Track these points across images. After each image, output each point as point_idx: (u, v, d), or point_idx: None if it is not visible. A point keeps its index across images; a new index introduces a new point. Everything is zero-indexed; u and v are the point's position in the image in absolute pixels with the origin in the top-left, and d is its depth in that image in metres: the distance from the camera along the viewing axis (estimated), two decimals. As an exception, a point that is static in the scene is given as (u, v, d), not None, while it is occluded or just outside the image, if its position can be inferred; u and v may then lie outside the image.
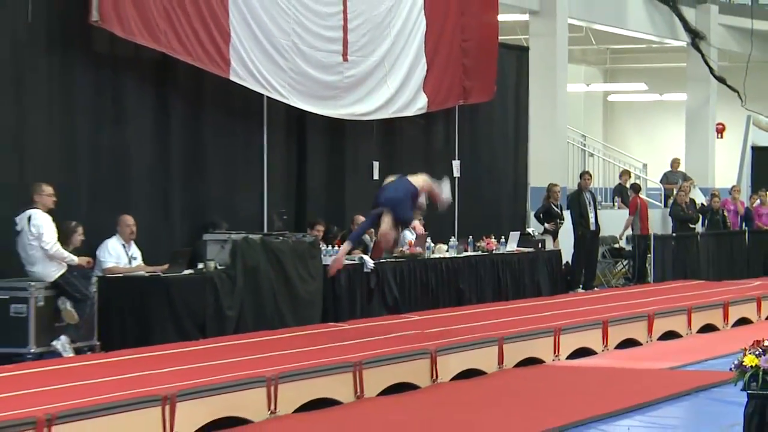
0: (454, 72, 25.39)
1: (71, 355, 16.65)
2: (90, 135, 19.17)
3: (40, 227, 17.06)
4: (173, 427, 12.22)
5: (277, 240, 20.37)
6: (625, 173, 36.59)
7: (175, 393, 12.27)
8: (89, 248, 18.33)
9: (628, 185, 35.07)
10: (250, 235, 20.08)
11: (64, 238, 17.42)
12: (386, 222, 13.99)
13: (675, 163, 39.23)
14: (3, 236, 17.32)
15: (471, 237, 25.27)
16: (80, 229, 17.84)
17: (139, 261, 18.83)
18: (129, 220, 18.59)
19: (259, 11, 20.47)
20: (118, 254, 18.55)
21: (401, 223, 14.23)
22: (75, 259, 17.45)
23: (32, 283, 16.96)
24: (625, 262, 32.65)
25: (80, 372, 14.32)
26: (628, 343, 19.69)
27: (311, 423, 13.59)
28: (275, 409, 13.49)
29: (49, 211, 17.25)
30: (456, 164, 26.64)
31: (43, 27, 18.46)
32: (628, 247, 32.41)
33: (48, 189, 17.22)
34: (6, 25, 18.11)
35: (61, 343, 16.79)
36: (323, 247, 21.02)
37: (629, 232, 32.41)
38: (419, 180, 14.30)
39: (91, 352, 17.06)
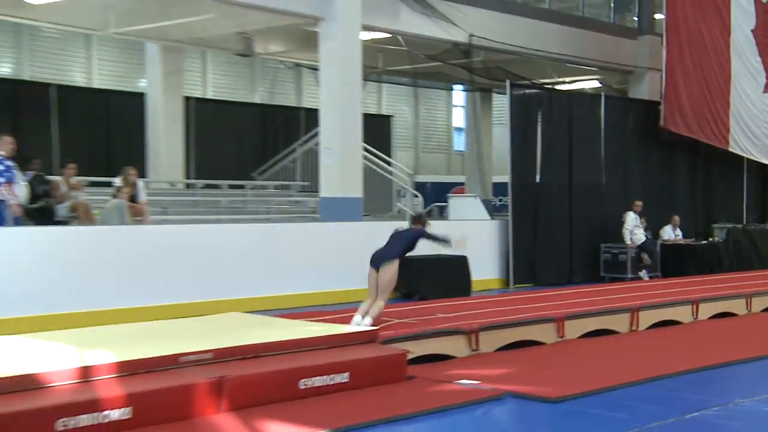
0: None
1: (647, 279, 16.61)
2: (654, 179, 18.86)
3: (625, 223, 16.99)
4: (697, 315, 11.84)
5: (751, 227, 19.81)
6: None
7: (698, 299, 12.02)
8: (654, 230, 18.14)
9: None
10: (736, 225, 19.59)
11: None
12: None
13: None
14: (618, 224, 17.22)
15: None
16: (643, 222, 17.26)
17: (680, 236, 18.35)
18: (676, 218, 18.36)
19: (744, 116, 19.44)
20: (669, 233, 18.24)
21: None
22: (630, 243, 17.30)
23: (628, 245, 16.84)
24: None
25: (651, 287, 14.13)
26: None
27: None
28: (751, 309, 12.65)
29: (639, 213, 17.12)
30: None
31: (637, 127, 18.60)
32: None
33: (638, 203, 17.17)
34: (620, 128, 18.19)
35: (643, 273, 16.89)
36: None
37: None
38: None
39: (657, 279, 16.72)
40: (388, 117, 26.01)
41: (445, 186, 24.16)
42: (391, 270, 9.22)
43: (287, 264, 13.03)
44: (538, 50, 18.08)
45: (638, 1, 20.61)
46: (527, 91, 17.63)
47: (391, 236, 9.66)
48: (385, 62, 19.33)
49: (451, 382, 7.71)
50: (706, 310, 12.11)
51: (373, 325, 8.81)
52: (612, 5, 20.48)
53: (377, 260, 9.35)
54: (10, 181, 11.33)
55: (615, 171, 18.07)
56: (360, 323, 8.89)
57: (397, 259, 9.28)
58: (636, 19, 20.74)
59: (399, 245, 9.43)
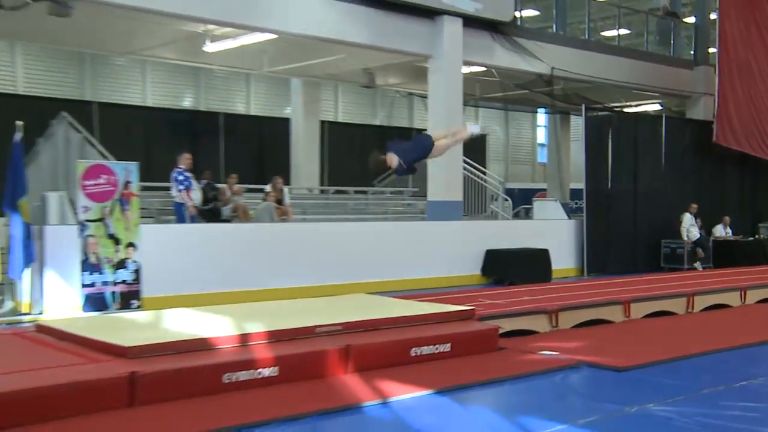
0: None
1: (701, 270, 15.75)
2: (708, 186, 18.07)
3: (683, 223, 16.38)
4: (745, 300, 11.40)
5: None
6: None
7: (745, 286, 11.56)
8: (708, 229, 17.32)
9: None
10: (777, 224, 18.61)
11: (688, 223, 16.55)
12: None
13: None
14: (676, 224, 16.64)
15: None
16: (698, 221, 16.63)
17: (730, 234, 17.54)
18: (727, 219, 17.60)
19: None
20: (721, 231, 17.47)
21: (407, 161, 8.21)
22: (686, 239, 16.22)
23: (685, 241, 16.16)
24: None
25: (705, 276, 13.55)
26: None
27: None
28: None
29: (694, 214, 16.57)
30: None
31: (693, 143, 17.76)
32: None
33: (694, 206, 16.57)
34: (679, 144, 17.45)
35: (698, 265, 16.06)
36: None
37: None
38: (436, 133, 8.50)
39: (710, 269, 15.78)
40: (483, 135, 25.79)
41: (530, 191, 23.85)
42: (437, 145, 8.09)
43: (400, 255, 13.06)
44: (608, 79, 17.69)
45: (694, 38, 20.01)
46: (599, 113, 17.31)
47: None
48: (481, 90, 19.26)
49: (534, 353, 7.63)
50: (753, 295, 11.64)
51: None
52: (672, 42, 19.92)
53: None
54: (188, 188, 11.70)
55: (673, 179, 17.48)
56: (474, 128, 8.47)
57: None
58: (692, 52, 20.11)
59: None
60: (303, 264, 11.85)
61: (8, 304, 10.01)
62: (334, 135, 20.14)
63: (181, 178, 11.65)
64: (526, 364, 7.17)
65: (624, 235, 16.47)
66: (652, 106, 22.17)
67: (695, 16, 20.13)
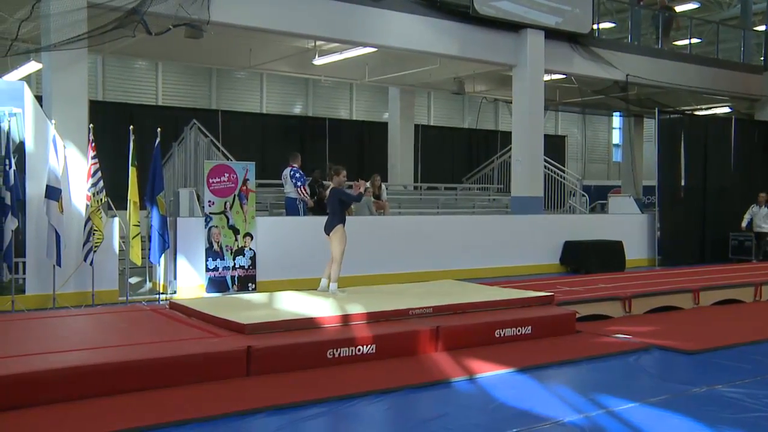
0: None
1: None
2: None
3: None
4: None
5: None
6: None
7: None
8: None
9: None
10: None
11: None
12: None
13: None
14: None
15: None
16: None
17: None
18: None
19: None
20: None
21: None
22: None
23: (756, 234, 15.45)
24: None
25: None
26: None
27: None
28: None
29: None
30: None
31: (762, 143, 16.85)
32: None
33: (762, 195, 15.27)
34: (747, 144, 16.57)
35: None
36: None
37: None
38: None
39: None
40: (562, 137, 25.19)
41: (606, 188, 23.18)
42: (336, 237, 8.14)
43: (486, 245, 12.92)
44: (680, 85, 16.95)
45: (764, 44, 18.97)
46: (672, 116, 16.56)
47: (327, 203, 8.40)
48: (561, 96, 18.83)
49: (609, 336, 7.44)
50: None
51: (335, 284, 7.93)
52: (742, 48, 18.96)
53: (327, 230, 8.23)
54: (304, 185, 11.83)
55: (742, 176, 16.57)
56: (325, 288, 8.15)
57: (339, 225, 8.14)
58: (762, 58, 19.07)
59: (335, 214, 8.22)
60: (398, 253, 11.85)
61: (147, 285, 10.43)
62: (427, 137, 20.07)
63: (297, 175, 11.75)
64: (601, 346, 6.97)
65: (694, 229, 15.78)
66: (722, 109, 21.17)
67: (766, 25, 19.10)
